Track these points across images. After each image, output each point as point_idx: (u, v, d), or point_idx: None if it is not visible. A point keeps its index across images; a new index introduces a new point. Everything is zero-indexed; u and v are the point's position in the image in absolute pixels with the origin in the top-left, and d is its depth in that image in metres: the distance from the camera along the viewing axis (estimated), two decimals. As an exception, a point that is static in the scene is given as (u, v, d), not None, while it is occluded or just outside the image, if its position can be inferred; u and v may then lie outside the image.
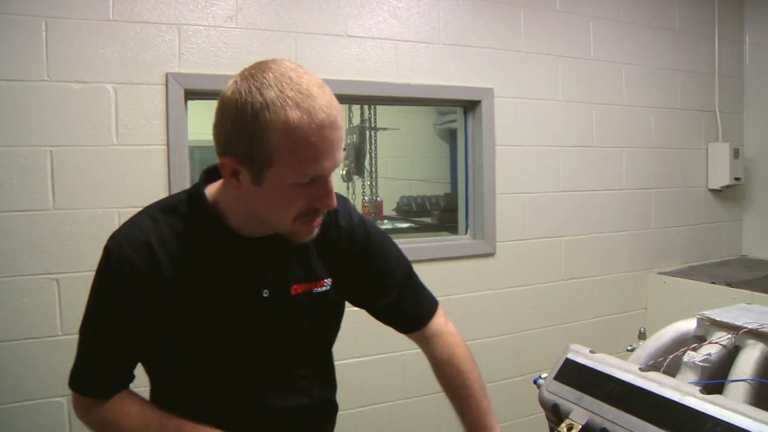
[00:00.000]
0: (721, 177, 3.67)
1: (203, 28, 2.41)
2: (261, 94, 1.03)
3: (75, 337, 2.25)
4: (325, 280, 1.33)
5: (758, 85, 3.77)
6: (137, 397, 1.27)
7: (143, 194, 2.32)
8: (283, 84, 1.03)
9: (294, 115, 1.02)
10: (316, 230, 1.20)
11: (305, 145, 1.03)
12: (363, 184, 4.23)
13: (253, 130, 1.03)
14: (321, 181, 1.10)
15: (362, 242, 1.39)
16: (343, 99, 2.86)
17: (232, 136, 1.07)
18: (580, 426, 1.17)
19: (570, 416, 1.20)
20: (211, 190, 1.24)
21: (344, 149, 1.14)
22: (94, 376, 1.25)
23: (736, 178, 3.67)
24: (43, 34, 2.18)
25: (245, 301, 1.24)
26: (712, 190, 3.74)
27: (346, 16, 2.67)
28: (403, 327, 1.45)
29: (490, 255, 3.00)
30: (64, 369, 2.22)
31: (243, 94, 1.05)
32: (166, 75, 2.33)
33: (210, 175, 1.26)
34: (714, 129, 3.73)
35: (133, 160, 2.31)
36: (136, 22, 2.30)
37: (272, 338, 1.29)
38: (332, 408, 1.45)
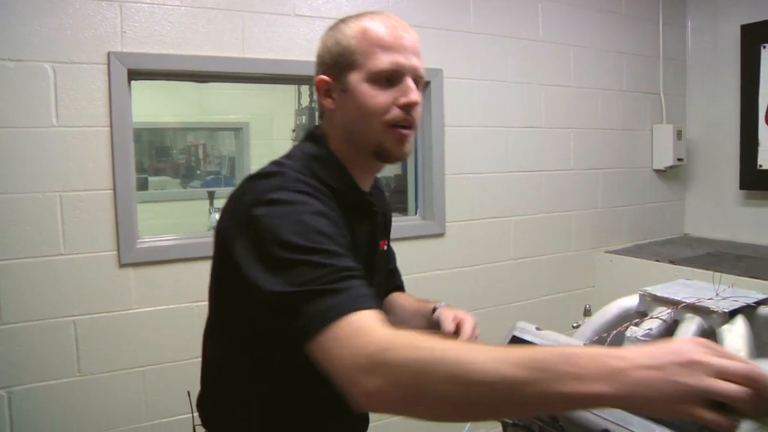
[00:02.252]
0: (665, 158, 3.77)
1: (146, 5, 2.35)
2: (343, 21, 1.24)
3: (16, 326, 2.21)
4: (385, 241, 1.43)
5: (700, 68, 3.87)
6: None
7: (86, 177, 2.26)
8: (363, 13, 1.24)
9: (369, 22, 1.20)
10: (408, 146, 1.23)
11: (378, 38, 1.18)
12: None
13: (336, 41, 1.22)
14: (400, 81, 1.19)
15: (389, 211, 1.53)
16: (290, 79, 2.86)
17: (323, 56, 1.24)
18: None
19: (517, 392, 1.23)
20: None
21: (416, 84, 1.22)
22: (347, 282, 0.96)
23: (679, 159, 3.77)
24: (-25, 10, 2.10)
25: (373, 257, 1.30)
26: (657, 171, 3.84)
27: (294, -5, 2.64)
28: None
29: (440, 235, 3.03)
30: (5, 360, 2.17)
31: (331, 27, 1.26)
32: (108, 54, 2.27)
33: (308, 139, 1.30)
34: (658, 111, 3.82)
35: (74, 142, 2.25)
36: (75, -1, 2.23)
37: (379, 296, 1.37)
38: None
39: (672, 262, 3.18)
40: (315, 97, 4.28)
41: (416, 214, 3.07)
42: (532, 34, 3.27)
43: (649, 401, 0.75)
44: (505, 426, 1.39)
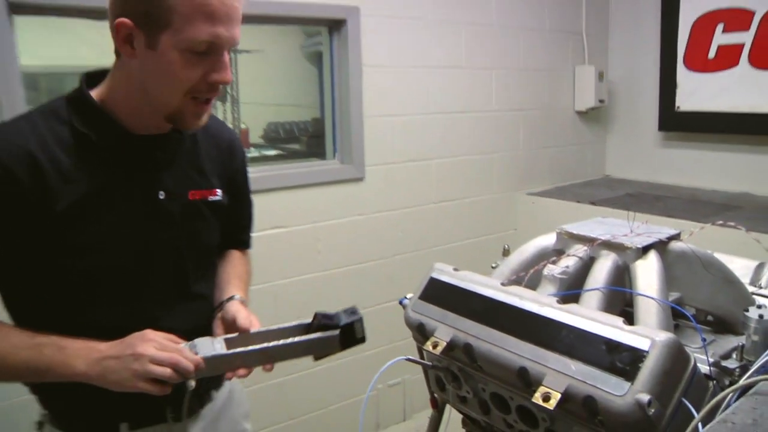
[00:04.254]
0: (586, 99, 3.85)
1: (31, -68, 2.20)
2: None
3: None
4: (217, 190, 1.37)
5: (622, 8, 3.94)
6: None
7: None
8: None
9: None
10: (205, 118, 1.21)
11: (203, 5, 1.08)
12: (225, 111, 4.12)
13: None
14: (217, 53, 1.13)
15: (240, 157, 1.48)
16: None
17: None
18: (445, 343, 1.22)
19: (435, 334, 1.25)
20: (95, 91, 1.23)
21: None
22: None
23: (601, 101, 3.86)
24: None
25: (142, 206, 1.23)
26: (579, 112, 3.92)
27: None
28: (228, 245, 1.55)
29: (359, 179, 3.03)
30: None
31: None
32: (-11, -15, 2.13)
33: (90, 81, 1.25)
34: (580, 52, 3.88)
35: (-47, 84, 2.11)
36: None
37: (173, 249, 1.29)
38: None
39: (592, 203, 3.29)
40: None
41: (334, 158, 3.05)
42: (452, -30, 3.25)
43: (115, 381, 1.12)
44: (425, 369, 1.42)
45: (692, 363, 1.01)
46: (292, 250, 2.86)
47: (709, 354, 1.16)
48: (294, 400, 2.99)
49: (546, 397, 1.01)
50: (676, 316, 1.28)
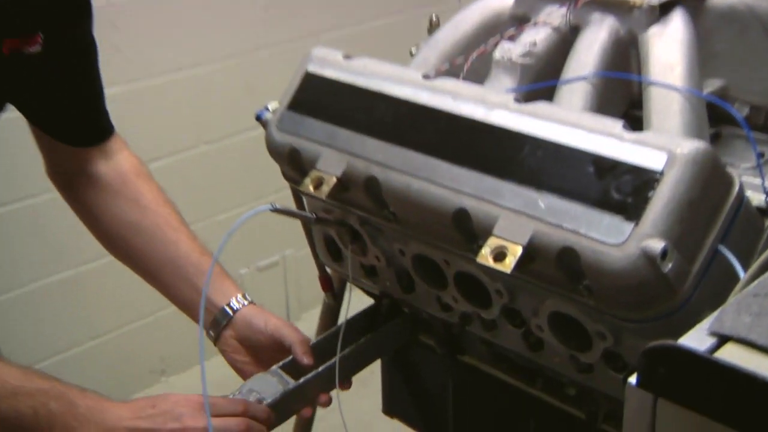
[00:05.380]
0: None
1: None
2: None
3: None
4: (40, 35, 1.36)
5: None
6: None
7: None
8: None
9: None
10: None
11: None
12: None
13: None
14: None
15: None
16: None
17: None
18: (335, 179, 1.21)
19: (317, 166, 1.24)
20: None
21: None
22: None
23: None
24: None
25: None
26: None
27: None
28: (85, 135, 1.60)
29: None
30: None
31: None
32: None
33: None
34: None
35: None
36: None
37: None
38: None
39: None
40: None
41: None
42: None
43: None
44: (306, 226, 1.44)
45: (736, 190, 1.04)
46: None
47: (766, 177, 1.19)
48: (104, 309, 3.02)
49: (499, 255, 1.02)
50: (715, 119, 1.31)
